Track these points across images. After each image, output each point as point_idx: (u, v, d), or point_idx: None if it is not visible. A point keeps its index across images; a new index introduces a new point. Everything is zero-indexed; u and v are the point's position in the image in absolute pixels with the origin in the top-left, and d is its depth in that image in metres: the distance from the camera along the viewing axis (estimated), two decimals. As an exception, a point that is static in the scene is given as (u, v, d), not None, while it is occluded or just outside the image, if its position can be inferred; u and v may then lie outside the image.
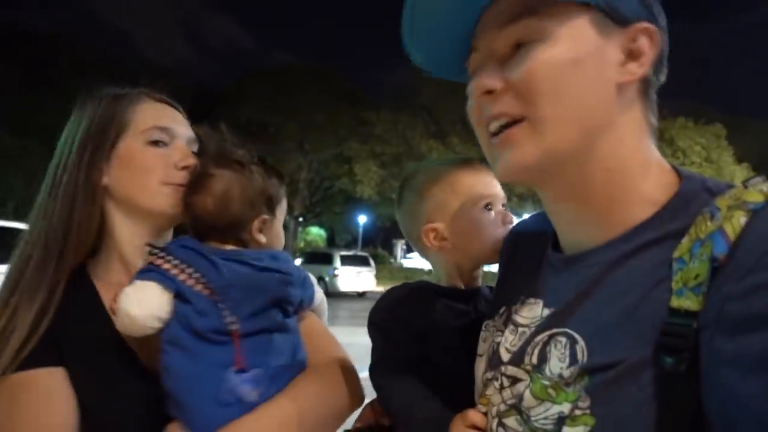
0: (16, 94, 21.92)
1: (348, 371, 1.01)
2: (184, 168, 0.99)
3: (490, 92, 0.64)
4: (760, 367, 0.48)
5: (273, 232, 1.05)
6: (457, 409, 0.83)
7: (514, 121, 0.63)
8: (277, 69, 27.51)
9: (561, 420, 0.61)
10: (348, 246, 35.05)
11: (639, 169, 0.65)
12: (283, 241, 1.09)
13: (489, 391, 0.75)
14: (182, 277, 0.88)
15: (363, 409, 1.10)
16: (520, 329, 0.72)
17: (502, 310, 0.80)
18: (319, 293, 1.08)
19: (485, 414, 0.76)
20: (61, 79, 21.90)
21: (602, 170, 0.64)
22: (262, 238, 1.00)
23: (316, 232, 38.62)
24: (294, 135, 25.91)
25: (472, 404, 0.81)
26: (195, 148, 1.04)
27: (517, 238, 0.94)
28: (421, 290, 1.11)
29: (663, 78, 0.67)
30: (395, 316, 1.08)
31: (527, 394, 0.66)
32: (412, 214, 1.13)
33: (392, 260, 33.72)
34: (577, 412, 0.59)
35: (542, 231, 0.81)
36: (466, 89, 0.70)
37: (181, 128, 1.03)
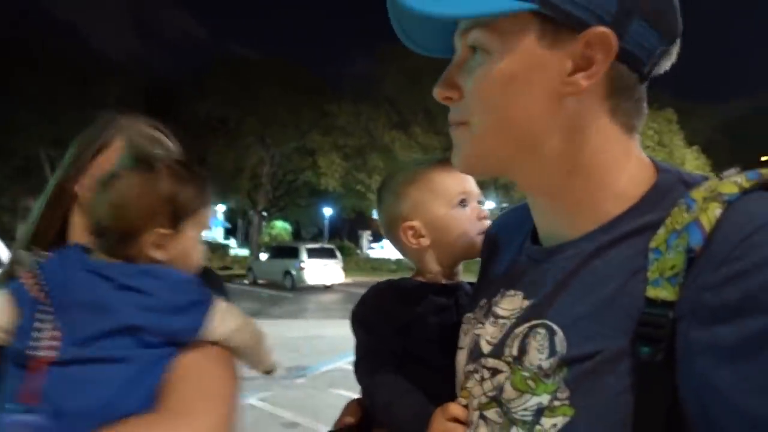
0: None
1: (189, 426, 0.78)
2: None
3: (446, 98, 0.68)
4: (734, 357, 0.49)
5: (180, 250, 0.90)
6: (440, 402, 0.84)
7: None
8: (236, 62, 26.99)
9: (540, 411, 0.61)
10: (314, 239, 34.90)
11: (610, 167, 0.65)
12: (198, 261, 0.94)
13: (470, 384, 0.75)
14: (34, 290, 0.80)
15: (347, 405, 1.10)
16: (501, 321, 0.73)
17: (482, 303, 0.80)
18: (233, 322, 0.88)
19: (466, 406, 0.76)
20: (11, 78, 20.93)
21: (562, 172, 0.65)
22: (159, 255, 0.87)
23: (281, 226, 38.23)
24: (255, 129, 25.49)
25: (454, 397, 0.81)
26: None
27: (498, 231, 0.94)
28: (403, 286, 1.14)
29: (660, 69, 0.65)
30: (378, 310, 1.10)
31: (507, 386, 0.66)
32: (391, 213, 1.16)
33: (359, 251, 33.73)
34: (556, 403, 0.60)
35: (522, 223, 0.82)
36: None
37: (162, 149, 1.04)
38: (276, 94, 25.11)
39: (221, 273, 20.96)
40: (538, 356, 0.63)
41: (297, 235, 38.90)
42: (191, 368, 0.82)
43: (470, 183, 1.15)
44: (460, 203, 1.11)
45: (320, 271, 18.59)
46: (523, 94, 0.62)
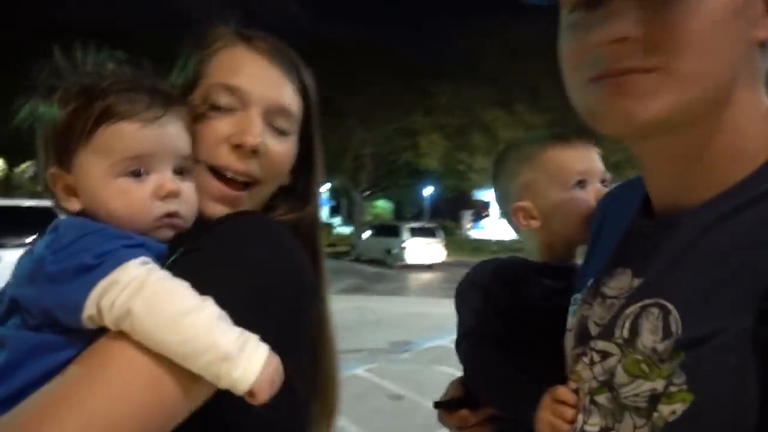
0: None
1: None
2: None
3: (620, 39, 0.57)
4: None
5: (86, 192, 0.74)
6: (546, 386, 0.82)
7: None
8: (337, 44, 27.56)
9: (655, 398, 0.58)
10: (415, 218, 35.19)
11: (754, 125, 0.60)
12: (124, 206, 0.73)
13: (578, 367, 0.72)
14: None
15: (452, 383, 1.09)
16: (609, 301, 0.69)
17: (590, 283, 0.77)
18: (129, 272, 0.63)
19: (576, 391, 0.73)
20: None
21: (723, 124, 0.60)
22: (71, 205, 0.75)
23: (383, 205, 38.93)
24: (357, 110, 25.99)
25: (562, 381, 0.79)
26: None
27: (605, 207, 0.90)
28: (509, 266, 1.10)
29: None
30: (483, 291, 1.07)
31: (619, 370, 0.63)
32: (503, 191, 1.12)
33: (459, 231, 33.48)
34: (672, 389, 0.56)
35: (631, 198, 0.77)
36: (565, 22, 0.64)
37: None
38: (376, 75, 25.36)
39: (330, 252, 21.89)
40: (651, 338, 0.59)
41: (398, 214, 39.35)
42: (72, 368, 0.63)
43: (591, 161, 1.06)
44: (578, 184, 1.04)
45: (422, 249, 18.77)
46: (739, 32, 0.57)
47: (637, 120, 0.58)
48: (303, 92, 0.91)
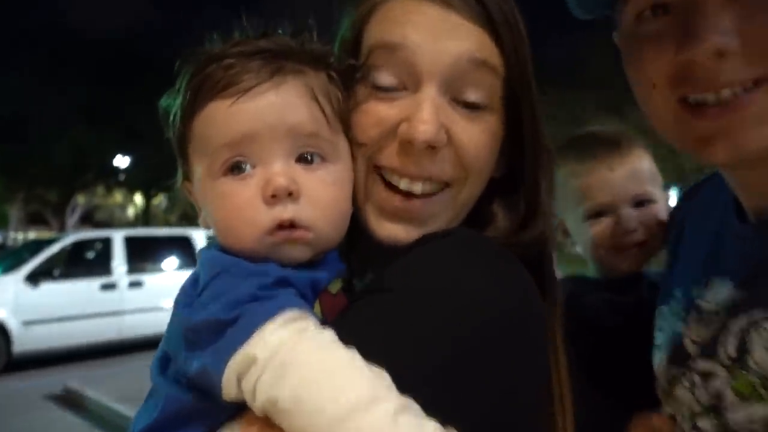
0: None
1: None
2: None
3: (720, 54, 0.52)
4: None
5: (201, 206, 0.62)
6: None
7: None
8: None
9: None
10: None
11: None
12: (226, 224, 0.58)
13: (678, 392, 0.65)
14: None
15: None
16: (707, 316, 0.63)
17: (678, 294, 0.70)
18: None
19: (672, 416, 0.67)
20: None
21: None
22: (203, 223, 0.63)
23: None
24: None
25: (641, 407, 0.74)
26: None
27: (684, 211, 0.82)
28: (568, 287, 0.98)
29: None
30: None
31: (728, 392, 0.57)
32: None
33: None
34: None
35: (713, 200, 0.70)
36: (636, 29, 0.58)
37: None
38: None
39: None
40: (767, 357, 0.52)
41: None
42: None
43: (613, 186, 0.90)
44: (594, 216, 0.91)
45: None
46: None
47: (748, 150, 0.53)
48: (503, 40, 0.62)
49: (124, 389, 5.66)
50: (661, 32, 0.55)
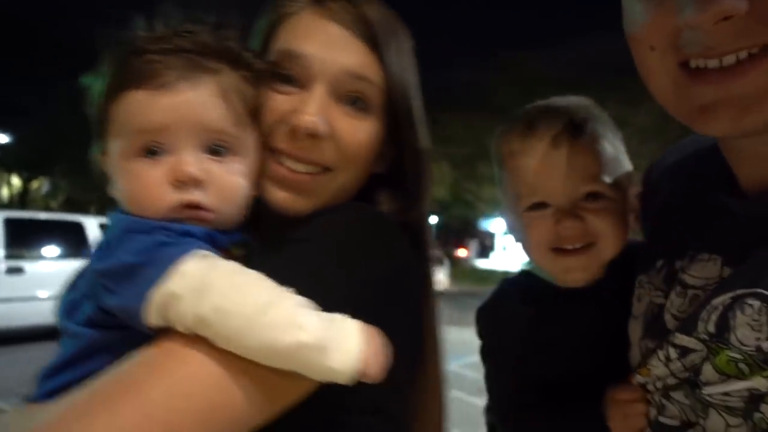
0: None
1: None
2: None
3: (726, 18, 0.48)
4: None
5: (114, 179, 0.69)
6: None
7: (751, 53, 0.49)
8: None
9: (757, 398, 0.51)
10: (421, 246, 34.98)
11: None
12: (136, 198, 0.66)
13: (652, 363, 0.64)
14: None
15: None
16: (691, 291, 0.61)
17: (659, 265, 0.68)
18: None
19: (644, 385, 0.66)
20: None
21: None
22: (114, 193, 0.70)
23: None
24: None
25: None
26: None
27: (662, 179, 0.76)
28: (516, 296, 0.90)
29: None
30: (491, 334, 0.94)
31: (708, 368, 0.55)
32: None
33: (464, 261, 33.41)
34: None
35: (700, 171, 0.66)
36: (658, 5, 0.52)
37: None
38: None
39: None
40: (753, 335, 0.51)
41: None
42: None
43: (551, 171, 0.75)
44: (532, 208, 0.79)
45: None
46: None
47: (750, 122, 0.49)
48: (385, 59, 0.75)
49: (-4, 383, 5.22)
50: None
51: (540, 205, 0.78)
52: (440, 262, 19.90)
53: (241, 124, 0.68)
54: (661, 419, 0.62)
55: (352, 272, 0.64)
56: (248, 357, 0.56)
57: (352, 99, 0.75)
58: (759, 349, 0.50)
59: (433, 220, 34.44)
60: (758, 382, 0.51)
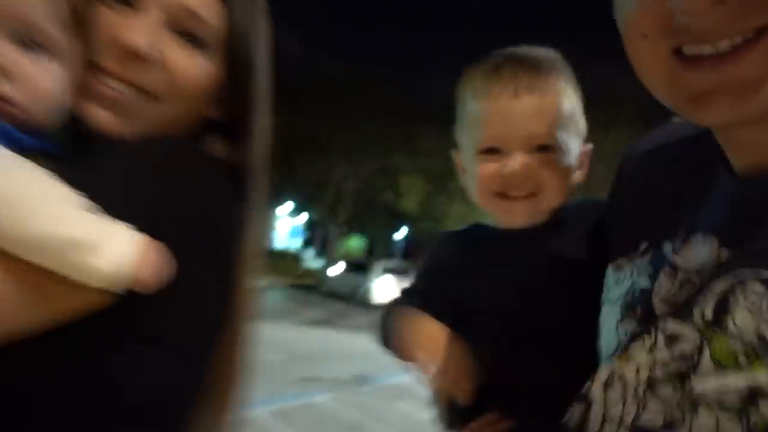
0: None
1: None
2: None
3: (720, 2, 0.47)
4: None
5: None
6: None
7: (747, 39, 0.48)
8: (327, 79, 27.89)
9: (755, 395, 0.47)
10: (387, 257, 35.21)
11: None
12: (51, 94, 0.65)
13: (635, 349, 0.59)
14: None
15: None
16: (682, 274, 0.58)
17: (643, 247, 0.65)
18: None
19: (621, 377, 0.59)
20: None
21: None
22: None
23: (355, 243, 38.80)
24: (343, 146, 26.15)
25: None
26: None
27: (642, 155, 0.74)
28: (469, 232, 0.96)
29: None
30: (430, 261, 1.01)
31: (705, 358, 0.51)
32: None
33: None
34: None
35: (690, 156, 0.65)
36: None
37: None
38: (365, 112, 25.65)
39: (295, 283, 21.58)
40: (755, 322, 0.48)
41: (370, 252, 39.31)
42: None
43: (511, 118, 0.78)
44: (484, 151, 0.81)
45: (393, 288, 18.74)
46: None
47: (748, 108, 0.48)
48: (232, 10, 0.74)
49: None
50: None
51: (492, 150, 0.80)
52: (406, 273, 20.02)
53: (62, 27, 0.64)
54: (641, 421, 0.56)
55: (150, 192, 0.62)
56: (15, 250, 0.52)
57: (188, 34, 0.72)
58: (762, 338, 0.47)
59: (402, 232, 34.85)
60: (760, 377, 0.47)
